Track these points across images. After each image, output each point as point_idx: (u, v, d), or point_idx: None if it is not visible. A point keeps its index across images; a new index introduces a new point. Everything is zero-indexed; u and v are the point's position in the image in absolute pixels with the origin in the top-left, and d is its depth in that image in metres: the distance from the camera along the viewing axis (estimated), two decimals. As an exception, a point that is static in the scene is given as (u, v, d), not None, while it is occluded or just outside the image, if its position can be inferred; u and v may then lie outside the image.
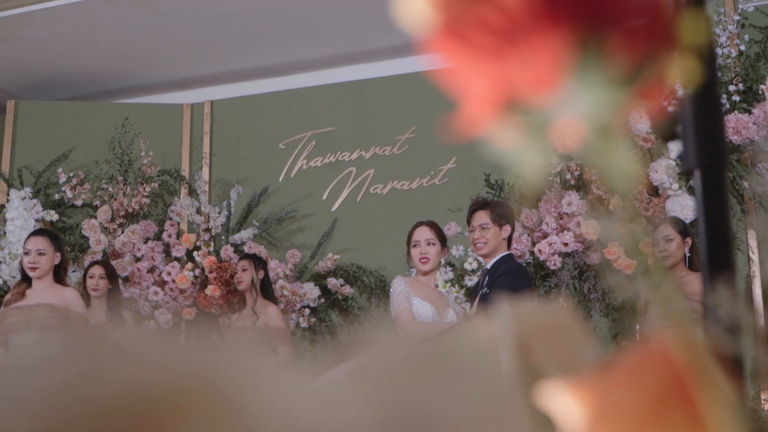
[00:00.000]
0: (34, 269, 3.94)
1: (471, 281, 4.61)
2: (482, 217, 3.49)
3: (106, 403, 0.29)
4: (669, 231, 3.65)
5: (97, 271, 4.61)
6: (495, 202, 3.69)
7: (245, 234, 5.40)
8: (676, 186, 4.25)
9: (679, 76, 0.34)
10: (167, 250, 5.41)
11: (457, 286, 4.68)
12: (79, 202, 5.44)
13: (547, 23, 0.33)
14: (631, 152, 0.34)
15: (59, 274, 4.03)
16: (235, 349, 0.34)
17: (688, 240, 3.69)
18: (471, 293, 4.16)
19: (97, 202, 5.45)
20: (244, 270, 4.68)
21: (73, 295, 4.00)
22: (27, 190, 5.40)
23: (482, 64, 0.34)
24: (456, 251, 4.71)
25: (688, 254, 3.68)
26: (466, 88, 0.35)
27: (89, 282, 4.57)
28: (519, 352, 0.42)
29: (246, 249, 5.31)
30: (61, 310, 3.88)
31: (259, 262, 4.72)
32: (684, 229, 3.73)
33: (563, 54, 0.33)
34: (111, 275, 4.64)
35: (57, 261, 4.00)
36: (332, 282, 5.22)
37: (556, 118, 0.34)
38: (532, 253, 4.51)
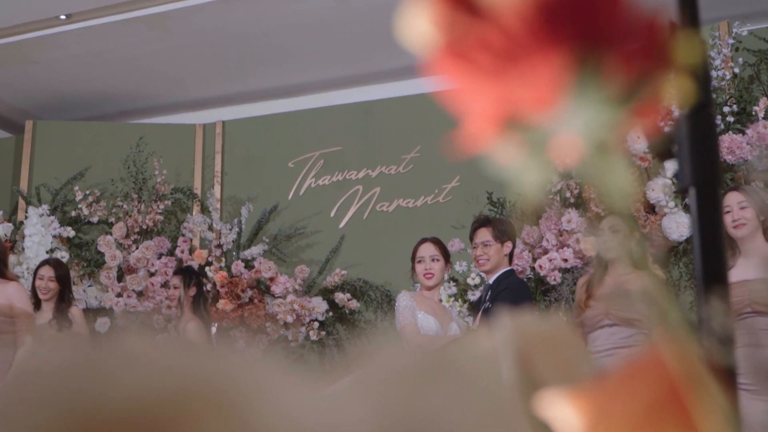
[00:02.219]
0: None
1: (474, 296, 4.62)
2: (484, 234, 3.52)
3: (120, 409, 0.30)
4: (615, 222, 3.40)
5: (47, 272, 4.22)
6: (497, 220, 3.71)
7: (255, 250, 5.45)
8: (672, 204, 4.30)
9: (675, 96, 0.35)
10: (180, 265, 5.44)
11: (460, 300, 4.69)
12: (95, 219, 5.53)
13: (546, 44, 0.33)
14: (628, 171, 0.35)
15: (0, 269, 3.81)
16: (244, 358, 0.35)
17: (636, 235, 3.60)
18: (474, 307, 4.17)
19: (112, 219, 5.54)
20: (175, 287, 4.46)
21: (15, 289, 3.80)
22: (44, 208, 5.49)
23: (484, 84, 0.34)
24: (459, 267, 4.70)
25: None
26: (468, 107, 0.35)
27: (38, 283, 4.20)
28: (519, 363, 0.43)
29: (256, 264, 5.36)
30: (4, 308, 3.72)
31: (190, 278, 4.46)
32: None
33: (562, 74, 0.34)
34: (61, 277, 4.24)
35: None
36: (339, 296, 5.27)
37: (556, 136, 0.35)
38: (532, 268, 4.54)
